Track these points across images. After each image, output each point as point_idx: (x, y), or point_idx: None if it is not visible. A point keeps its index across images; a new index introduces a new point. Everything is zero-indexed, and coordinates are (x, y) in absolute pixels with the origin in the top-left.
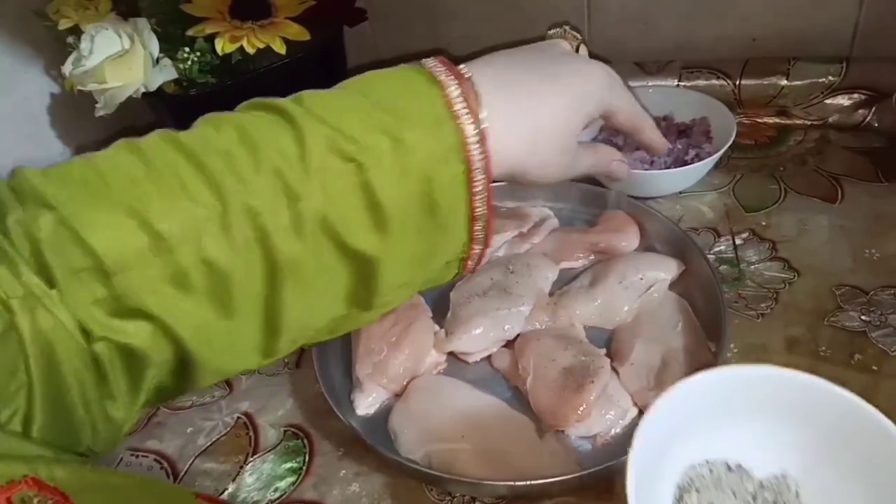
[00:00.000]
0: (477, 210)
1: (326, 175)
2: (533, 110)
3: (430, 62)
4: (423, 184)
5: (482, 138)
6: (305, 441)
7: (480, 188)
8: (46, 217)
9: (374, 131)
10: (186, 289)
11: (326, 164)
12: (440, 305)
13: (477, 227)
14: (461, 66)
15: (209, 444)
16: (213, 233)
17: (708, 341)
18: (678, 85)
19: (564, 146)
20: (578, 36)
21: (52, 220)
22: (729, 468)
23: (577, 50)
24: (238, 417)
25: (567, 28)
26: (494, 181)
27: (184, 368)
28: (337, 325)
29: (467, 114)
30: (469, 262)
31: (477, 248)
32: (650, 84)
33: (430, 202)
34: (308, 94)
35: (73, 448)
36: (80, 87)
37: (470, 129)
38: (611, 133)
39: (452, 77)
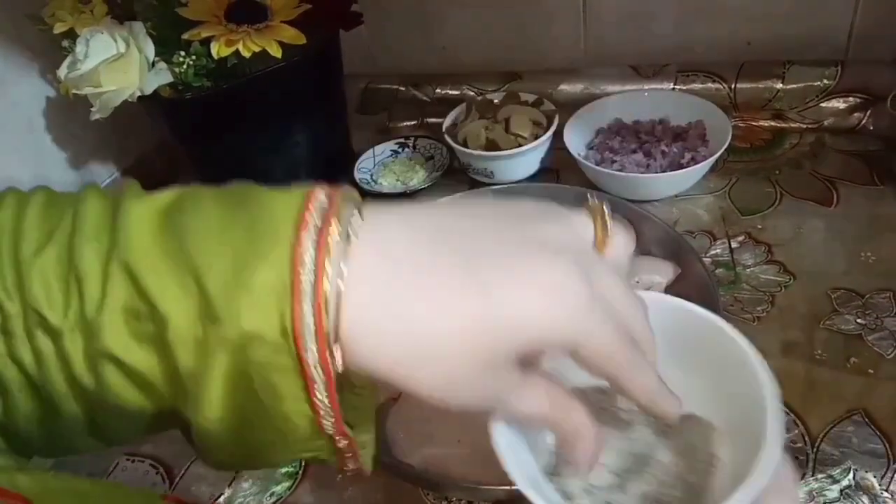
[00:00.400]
0: (323, 423)
1: (123, 314)
2: (436, 305)
3: (317, 196)
4: (236, 357)
5: (323, 330)
6: None
7: (322, 397)
8: None
9: (189, 279)
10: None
11: (125, 302)
12: None
13: (324, 424)
14: (360, 214)
15: None
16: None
17: None
18: (674, 88)
19: (471, 380)
20: (609, 227)
21: None
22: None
23: (600, 246)
24: None
25: (603, 203)
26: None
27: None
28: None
29: (311, 300)
30: (349, 460)
31: (350, 464)
32: (646, 87)
33: (245, 387)
34: (133, 205)
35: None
36: (75, 91)
37: (307, 311)
38: (607, 136)
39: (316, 243)
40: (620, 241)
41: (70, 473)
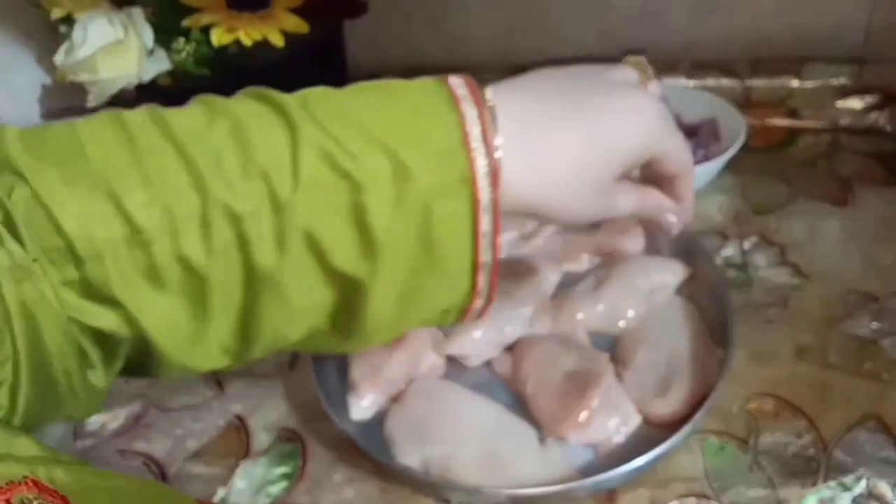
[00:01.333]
0: (481, 256)
1: (316, 189)
2: (556, 147)
3: (455, 81)
4: (421, 215)
5: (494, 175)
6: (299, 445)
7: (487, 229)
8: (20, 190)
9: (377, 150)
10: (159, 285)
11: (319, 178)
12: None
13: (481, 278)
14: (487, 89)
15: (199, 446)
16: (192, 231)
17: (715, 348)
18: (687, 84)
19: (593, 188)
20: (650, 71)
21: (26, 194)
22: None
23: (643, 76)
24: (229, 420)
25: (643, 59)
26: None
27: (150, 356)
28: (316, 343)
29: (482, 146)
30: (468, 315)
31: (479, 303)
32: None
33: (427, 236)
34: (315, 94)
35: (55, 417)
36: (72, 77)
37: (481, 163)
38: None
39: (473, 103)
40: (655, 85)
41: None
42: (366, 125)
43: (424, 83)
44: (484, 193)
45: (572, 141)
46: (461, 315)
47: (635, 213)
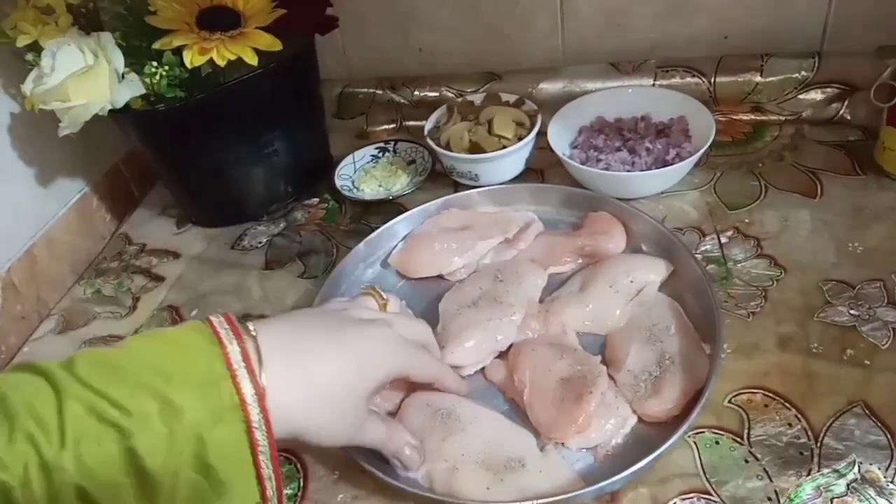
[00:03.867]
0: (263, 470)
1: (86, 443)
2: (311, 374)
3: (217, 320)
4: (194, 444)
5: (261, 397)
6: (298, 465)
7: (264, 447)
8: None
9: (144, 394)
10: None
11: (86, 431)
12: (430, 317)
13: (268, 487)
14: (249, 323)
15: None
16: None
17: (702, 343)
18: (654, 84)
19: (344, 411)
20: (385, 296)
21: None
22: None
23: (383, 309)
24: None
25: (375, 287)
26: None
27: None
28: None
29: (246, 373)
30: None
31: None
32: (627, 84)
33: (205, 463)
34: (82, 357)
35: None
36: (42, 106)
37: (248, 389)
38: (590, 134)
39: (234, 335)
40: (394, 301)
41: None
42: (133, 373)
43: (185, 327)
44: (254, 415)
45: (328, 370)
46: None
47: (378, 444)
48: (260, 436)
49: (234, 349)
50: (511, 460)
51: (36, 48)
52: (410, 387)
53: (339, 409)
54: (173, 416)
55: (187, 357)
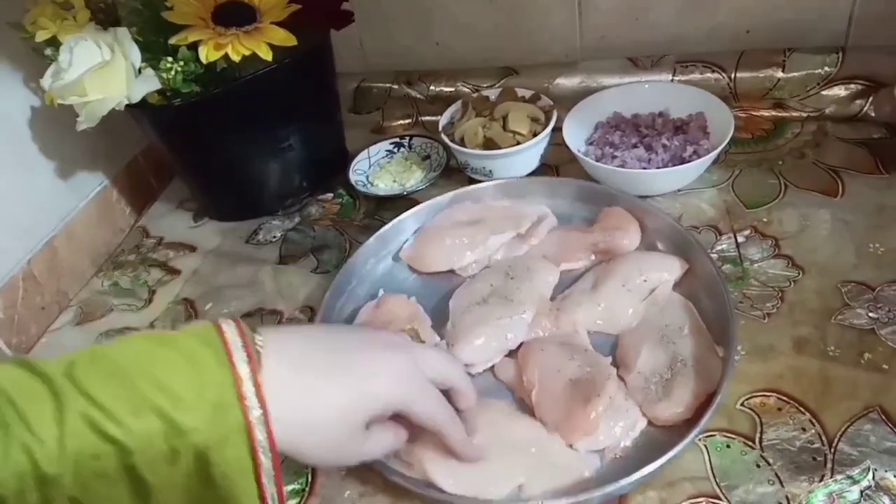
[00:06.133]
0: (266, 490)
1: (84, 458)
2: (312, 397)
3: (227, 329)
4: (197, 463)
5: (267, 419)
6: None
7: (267, 469)
8: None
9: (147, 411)
10: None
11: (85, 446)
12: (440, 314)
13: None
14: (258, 336)
15: None
16: None
17: (715, 345)
18: (673, 80)
19: (347, 432)
20: (424, 339)
21: None
22: None
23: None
24: None
25: (417, 327)
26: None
27: None
28: None
29: (255, 399)
30: None
31: None
32: (644, 80)
33: (208, 478)
34: (84, 359)
35: None
36: (60, 101)
37: (255, 413)
38: (606, 130)
39: (245, 355)
40: (430, 337)
41: None
42: (136, 384)
43: (197, 332)
44: (260, 438)
45: (328, 396)
46: None
47: (387, 451)
48: (264, 458)
49: (244, 371)
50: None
51: (54, 43)
52: (410, 427)
53: (334, 434)
54: (177, 437)
55: (197, 377)
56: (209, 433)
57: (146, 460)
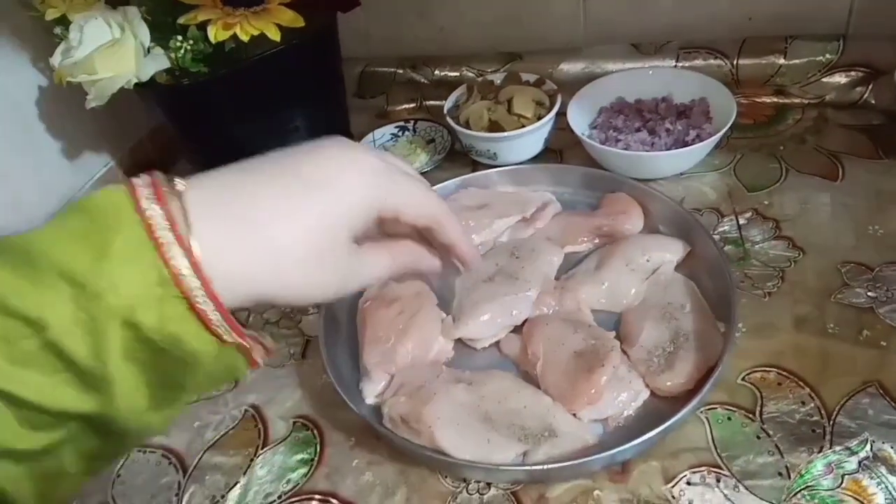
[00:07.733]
0: (225, 339)
1: (3, 342)
2: (268, 232)
3: (139, 182)
4: (128, 330)
5: (196, 267)
6: (315, 432)
7: (215, 318)
8: None
9: (52, 279)
10: None
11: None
12: (446, 292)
13: (245, 341)
14: (178, 181)
15: (217, 437)
16: None
17: (717, 322)
18: (676, 66)
19: (329, 257)
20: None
21: None
22: None
23: None
24: (245, 410)
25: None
26: (241, 308)
27: None
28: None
29: (176, 246)
30: (256, 365)
31: (259, 351)
32: (648, 65)
33: (151, 345)
34: None
35: None
36: (69, 79)
37: (182, 263)
38: (610, 115)
39: (156, 200)
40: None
41: None
42: (44, 253)
43: (99, 195)
44: (193, 289)
45: (289, 225)
46: (248, 368)
47: (392, 273)
48: (209, 309)
49: (156, 215)
50: (524, 427)
51: (64, 22)
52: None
53: (315, 265)
54: (92, 300)
55: (104, 232)
56: (128, 292)
57: (65, 335)
